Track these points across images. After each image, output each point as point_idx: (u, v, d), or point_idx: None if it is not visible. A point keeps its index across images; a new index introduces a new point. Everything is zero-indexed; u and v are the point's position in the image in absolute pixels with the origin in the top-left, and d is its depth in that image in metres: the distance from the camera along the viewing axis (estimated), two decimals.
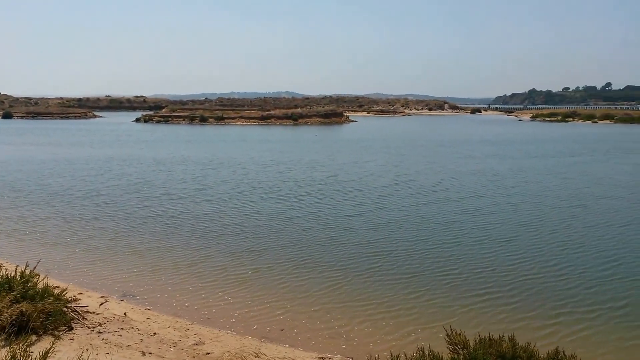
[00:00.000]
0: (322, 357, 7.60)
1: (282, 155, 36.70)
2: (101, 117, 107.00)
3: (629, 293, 10.22)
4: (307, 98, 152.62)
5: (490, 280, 10.99)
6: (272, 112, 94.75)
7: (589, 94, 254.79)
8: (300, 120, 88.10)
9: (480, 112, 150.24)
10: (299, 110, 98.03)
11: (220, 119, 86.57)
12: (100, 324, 7.90)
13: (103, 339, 7.36)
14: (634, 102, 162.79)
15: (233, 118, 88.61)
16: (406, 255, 12.76)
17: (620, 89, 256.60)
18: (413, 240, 14.09)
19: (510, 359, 3.97)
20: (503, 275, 11.26)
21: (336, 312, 9.47)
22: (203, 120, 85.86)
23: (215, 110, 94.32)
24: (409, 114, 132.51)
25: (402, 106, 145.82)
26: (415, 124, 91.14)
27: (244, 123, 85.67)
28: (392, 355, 4.38)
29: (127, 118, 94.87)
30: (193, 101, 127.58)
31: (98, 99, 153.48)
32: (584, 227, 15.52)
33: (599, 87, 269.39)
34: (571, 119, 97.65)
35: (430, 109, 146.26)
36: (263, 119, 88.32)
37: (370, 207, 18.45)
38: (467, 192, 21.53)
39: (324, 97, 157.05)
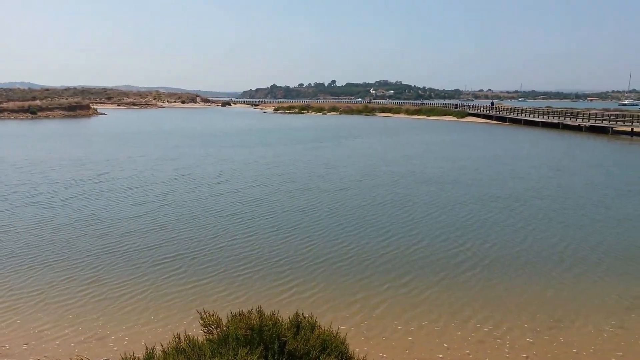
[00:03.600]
0: None
1: (37, 152, 30.94)
2: None
3: (412, 265, 11.37)
4: (48, 89, 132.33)
5: (289, 265, 11.00)
6: (3, 104, 79.52)
7: (319, 89, 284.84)
8: (40, 114, 76.16)
9: (230, 104, 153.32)
10: (37, 102, 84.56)
11: None
12: None
13: None
14: (353, 97, 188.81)
15: None
16: (201, 254, 11.87)
17: (342, 86, 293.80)
18: (206, 236, 13.23)
19: (258, 328, 4.17)
20: (300, 260, 11.38)
21: (115, 318, 8.53)
22: None
23: None
24: (162, 107, 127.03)
25: (155, 99, 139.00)
26: (172, 116, 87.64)
27: None
28: (147, 348, 4.15)
29: None
30: None
31: None
32: (353, 207, 16.73)
33: (326, 83, 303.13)
34: (306, 111, 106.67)
35: (183, 102, 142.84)
36: None
37: (153, 205, 16.78)
38: (247, 181, 21.40)
39: (67, 89, 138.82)
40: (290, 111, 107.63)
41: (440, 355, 7.31)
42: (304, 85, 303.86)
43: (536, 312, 8.77)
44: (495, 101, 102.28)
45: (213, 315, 4.40)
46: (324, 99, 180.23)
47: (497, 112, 70.55)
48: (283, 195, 18.49)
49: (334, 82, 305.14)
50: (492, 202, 17.48)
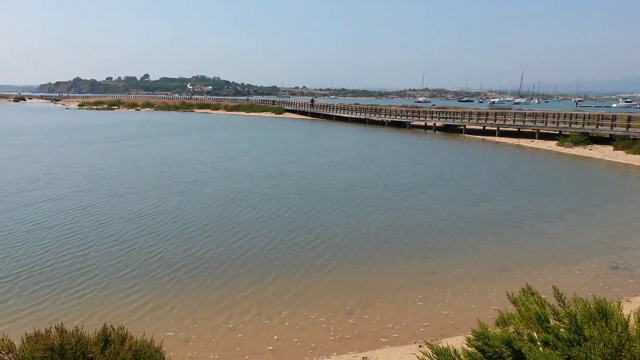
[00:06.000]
0: None
1: None
2: None
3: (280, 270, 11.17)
4: None
5: (137, 277, 9.94)
6: None
7: (131, 83, 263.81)
8: None
9: (25, 100, 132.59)
10: None
11: None
12: None
13: None
14: (169, 92, 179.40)
15: None
16: (29, 274, 10.03)
17: (157, 80, 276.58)
18: (32, 253, 11.19)
19: (59, 348, 3.96)
20: (150, 270, 10.37)
21: None
22: None
23: None
24: None
25: None
26: None
27: None
28: None
29: None
30: None
31: None
32: (196, 208, 15.78)
33: (138, 77, 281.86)
34: (117, 107, 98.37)
35: None
36: None
37: None
38: (70, 186, 18.64)
39: None
40: (99, 107, 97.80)
41: (270, 347, 7.35)
42: (114, 79, 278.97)
43: (356, 295, 9.26)
44: (313, 98, 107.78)
45: (3, 339, 3.98)
46: (137, 94, 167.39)
47: (312, 109, 74.52)
48: (116, 200, 16.57)
49: (147, 76, 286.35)
50: (326, 192, 18.25)
